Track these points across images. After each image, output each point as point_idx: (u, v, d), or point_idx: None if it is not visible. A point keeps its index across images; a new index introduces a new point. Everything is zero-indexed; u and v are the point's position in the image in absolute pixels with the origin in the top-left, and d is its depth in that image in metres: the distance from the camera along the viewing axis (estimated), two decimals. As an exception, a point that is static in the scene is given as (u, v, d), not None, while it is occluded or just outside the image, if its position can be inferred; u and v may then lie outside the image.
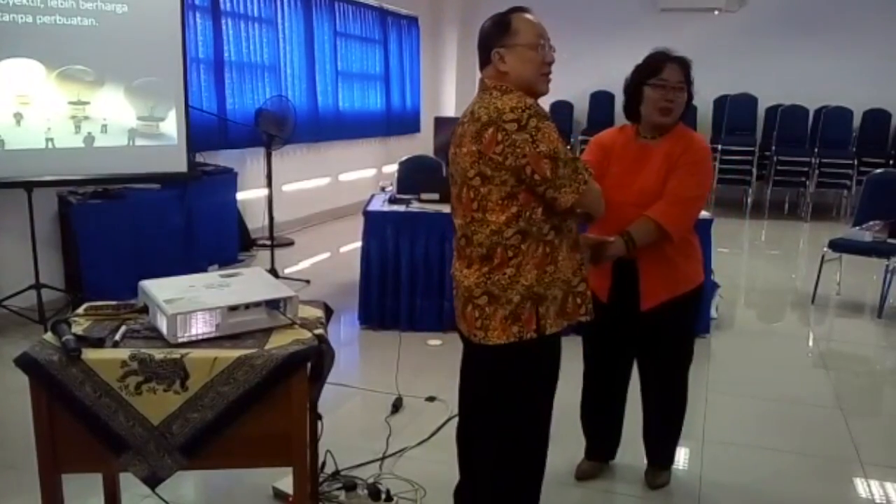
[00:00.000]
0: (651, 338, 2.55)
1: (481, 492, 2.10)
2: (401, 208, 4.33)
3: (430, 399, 3.36)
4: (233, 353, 1.77)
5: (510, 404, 2.00)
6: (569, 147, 1.92)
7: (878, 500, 2.68)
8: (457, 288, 2.03)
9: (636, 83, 2.42)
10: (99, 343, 1.76)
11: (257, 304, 1.90)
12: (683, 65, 2.38)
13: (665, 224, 2.33)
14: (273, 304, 1.91)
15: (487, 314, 1.93)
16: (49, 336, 1.81)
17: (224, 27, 6.14)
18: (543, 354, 2.00)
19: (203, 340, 1.82)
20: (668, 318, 2.47)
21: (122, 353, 1.74)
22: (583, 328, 2.66)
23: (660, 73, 2.37)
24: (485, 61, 1.95)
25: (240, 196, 6.17)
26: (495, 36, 1.91)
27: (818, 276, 5.18)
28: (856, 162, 8.27)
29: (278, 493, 2.53)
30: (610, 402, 2.72)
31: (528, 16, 1.92)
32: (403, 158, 5.47)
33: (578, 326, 2.67)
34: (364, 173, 8.58)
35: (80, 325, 1.89)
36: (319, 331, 1.93)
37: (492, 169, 1.84)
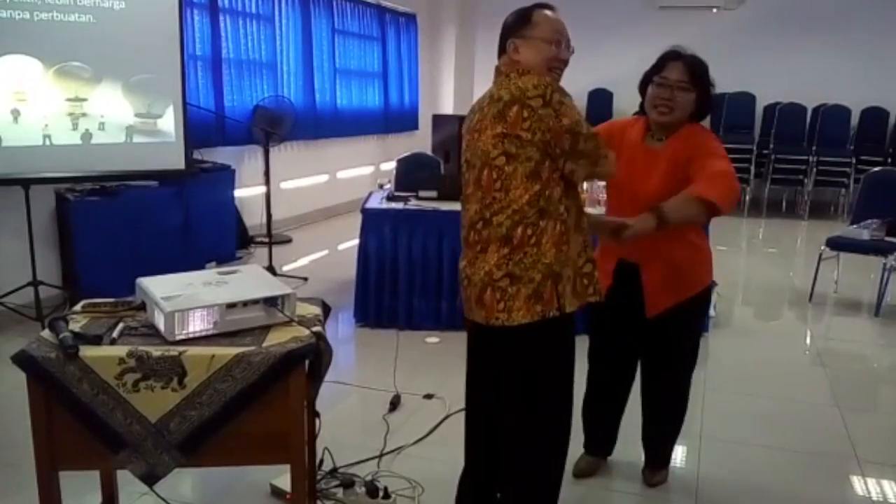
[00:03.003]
0: (656, 341, 2.54)
1: (513, 476, 2.10)
2: (399, 206, 4.33)
3: (428, 396, 3.36)
4: (231, 351, 1.77)
5: (538, 383, 2.01)
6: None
7: (874, 497, 2.68)
8: (468, 278, 2.01)
9: (644, 81, 2.42)
10: (96, 340, 1.76)
11: (255, 302, 1.90)
12: (689, 64, 2.34)
13: (712, 198, 2.18)
14: (271, 302, 1.91)
15: (510, 294, 1.93)
16: (46, 333, 1.81)
17: (222, 24, 6.12)
18: (565, 332, 2.03)
19: (201, 338, 1.82)
20: (673, 322, 2.46)
21: (120, 351, 1.74)
22: (589, 329, 2.67)
23: (661, 70, 2.36)
24: (502, 50, 2.00)
25: (238, 193, 6.15)
26: (514, 27, 1.98)
27: (816, 275, 5.19)
28: (854, 160, 8.28)
29: (276, 491, 2.53)
30: (613, 401, 2.73)
31: (549, 13, 1.99)
32: (401, 156, 5.46)
33: (584, 327, 2.68)
34: (362, 171, 8.58)
35: (77, 323, 1.89)
36: (317, 328, 1.93)
37: (517, 147, 1.87)
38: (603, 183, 2.80)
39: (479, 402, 2.22)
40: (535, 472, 2.08)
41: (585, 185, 3.79)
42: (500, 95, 1.89)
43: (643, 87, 2.43)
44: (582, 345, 2.65)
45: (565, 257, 1.95)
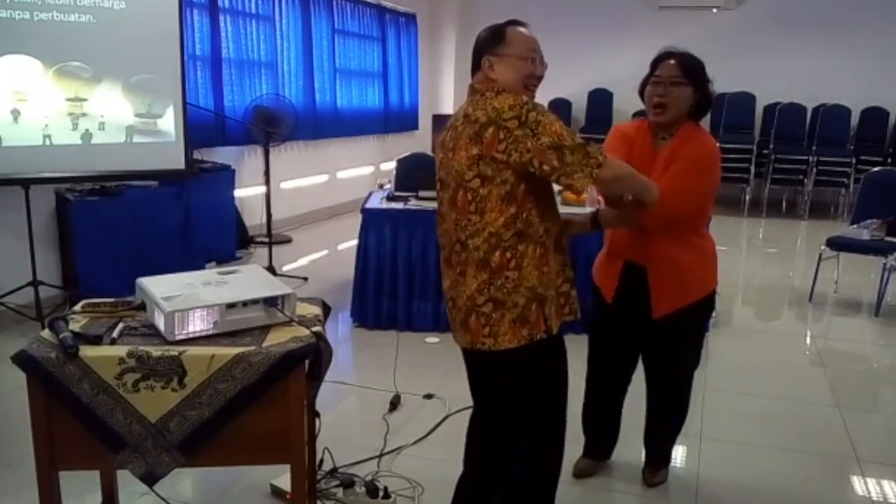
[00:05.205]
0: (661, 342, 2.54)
1: (508, 490, 2.10)
2: (399, 206, 4.33)
3: (428, 396, 3.36)
4: (230, 351, 1.77)
5: (529, 404, 2.00)
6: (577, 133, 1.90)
7: (874, 497, 2.68)
8: (453, 300, 2.00)
9: (642, 85, 2.43)
10: (96, 340, 1.76)
11: (255, 302, 1.90)
12: (681, 61, 2.34)
13: (646, 200, 2.09)
14: (271, 302, 1.91)
15: (494, 320, 1.91)
16: (46, 333, 1.81)
17: (222, 24, 6.13)
18: (554, 353, 2.01)
19: (201, 338, 1.82)
20: (679, 323, 2.45)
21: (120, 351, 1.74)
22: (591, 330, 2.67)
23: (655, 69, 2.37)
24: (476, 67, 1.97)
25: (238, 193, 6.16)
26: (489, 44, 1.94)
27: (816, 274, 5.19)
28: (853, 160, 8.28)
29: (276, 491, 2.53)
30: (611, 403, 2.73)
31: (523, 29, 1.96)
32: (401, 156, 5.46)
33: (586, 327, 2.68)
34: (362, 171, 8.58)
35: (77, 323, 1.89)
36: (317, 328, 1.93)
37: (493, 169, 1.83)
38: None
39: (477, 410, 2.23)
40: (527, 489, 2.07)
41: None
42: (476, 117, 1.85)
43: (642, 92, 2.43)
44: (581, 345, 2.67)
45: (548, 279, 1.93)
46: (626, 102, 8.98)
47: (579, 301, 2.08)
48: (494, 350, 1.93)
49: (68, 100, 4.15)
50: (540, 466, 2.07)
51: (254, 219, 6.37)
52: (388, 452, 2.85)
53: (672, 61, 2.35)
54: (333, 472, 2.60)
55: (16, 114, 3.99)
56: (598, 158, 1.87)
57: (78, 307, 2.00)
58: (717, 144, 2.43)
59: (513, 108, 1.80)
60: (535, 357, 1.95)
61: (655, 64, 2.38)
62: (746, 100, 8.95)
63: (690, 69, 2.34)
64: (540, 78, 1.97)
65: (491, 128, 1.82)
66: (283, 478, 2.46)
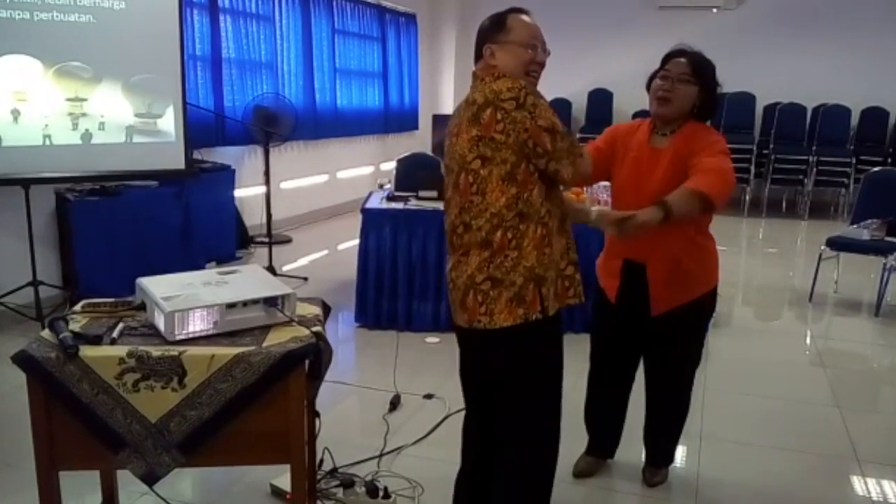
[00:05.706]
0: (661, 341, 2.54)
1: (503, 478, 2.09)
2: (399, 206, 4.33)
3: (428, 396, 3.36)
4: (230, 351, 1.77)
5: (523, 385, 2.00)
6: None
7: (874, 497, 2.68)
8: (453, 282, 2.02)
9: (651, 77, 2.44)
10: (96, 340, 1.76)
11: (255, 302, 1.90)
12: (692, 59, 2.36)
13: (706, 191, 2.14)
14: (271, 302, 1.92)
15: (492, 298, 1.92)
16: (46, 333, 1.81)
17: (222, 24, 6.13)
18: (550, 335, 2.02)
19: (201, 338, 1.82)
20: (678, 322, 2.46)
21: (120, 351, 1.74)
22: (592, 328, 2.67)
23: (666, 64, 2.39)
24: (479, 56, 2.01)
25: (238, 193, 6.16)
26: (490, 32, 1.98)
27: (816, 274, 5.19)
28: (853, 160, 8.28)
29: (276, 491, 2.53)
30: (615, 400, 2.73)
31: (524, 17, 1.99)
32: (401, 156, 5.46)
33: (587, 327, 2.68)
34: (362, 171, 8.58)
35: (77, 323, 1.89)
36: (317, 328, 1.93)
37: (492, 150, 1.86)
38: (605, 183, 2.80)
39: (471, 404, 2.23)
40: (523, 474, 2.07)
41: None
42: (474, 99, 1.90)
43: (649, 85, 2.44)
44: (581, 345, 2.67)
45: (548, 260, 1.94)
46: (626, 102, 8.98)
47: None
48: (489, 328, 1.94)
49: (68, 100, 4.15)
50: (535, 456, 2.07)
51: (254, 219, 6.37)
52: (388, 452, 2.85)
53: (683, 59, 2.37)
54: (333, 472, 2.60)
55: (16, 114, 3.99)
56: (579, 149, 1.96)
57: (78, 307, 2.00)
58: None
59: (511, 91, 1.84)
60: (530, 337, 1.96)
61: (666, 59, 2.40)
62: (746, 100, 8.95)
63: (700, 69, 2.36)
64: (542, 65, 1.99)
65: (489, 109, 1.85)
66: (283, 478, 2.46)
